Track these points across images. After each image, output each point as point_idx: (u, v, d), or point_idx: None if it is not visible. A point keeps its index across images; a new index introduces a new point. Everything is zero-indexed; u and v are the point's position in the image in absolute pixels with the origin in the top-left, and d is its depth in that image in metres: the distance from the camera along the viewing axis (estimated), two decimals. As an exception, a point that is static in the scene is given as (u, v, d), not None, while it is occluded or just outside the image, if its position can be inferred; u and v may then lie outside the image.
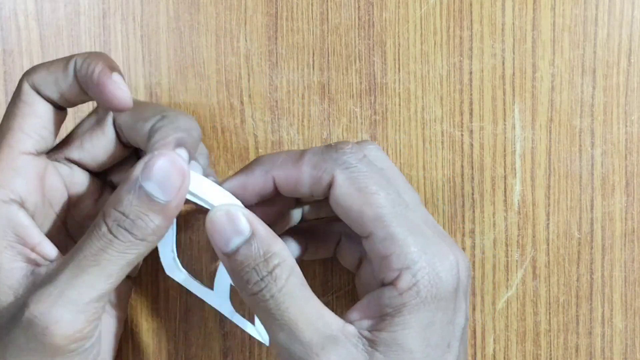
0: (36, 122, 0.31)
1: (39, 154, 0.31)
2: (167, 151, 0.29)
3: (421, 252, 0.29)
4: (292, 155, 0.31)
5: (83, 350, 0.29)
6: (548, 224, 0.39)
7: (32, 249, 0.30)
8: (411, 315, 0.29)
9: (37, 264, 0.29)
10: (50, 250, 0.30)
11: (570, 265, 0.40)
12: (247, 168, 0.32)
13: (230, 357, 0.40)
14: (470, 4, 0.39)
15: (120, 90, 0.30)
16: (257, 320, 0.32)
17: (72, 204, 0.33)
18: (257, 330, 0.33)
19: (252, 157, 0.39)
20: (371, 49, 0.39)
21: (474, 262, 0.39)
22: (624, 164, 0.39)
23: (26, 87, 0.31)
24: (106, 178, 0.35)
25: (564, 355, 0.40)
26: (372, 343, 0.29)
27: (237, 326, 0.40)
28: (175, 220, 0.30)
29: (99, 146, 0.33)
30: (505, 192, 0.39)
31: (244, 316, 0.34)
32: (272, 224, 0.31)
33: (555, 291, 0.40)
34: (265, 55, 0.39)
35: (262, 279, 0.29)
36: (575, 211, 0.39)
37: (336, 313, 0.30)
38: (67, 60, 0.31)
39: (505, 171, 0.39)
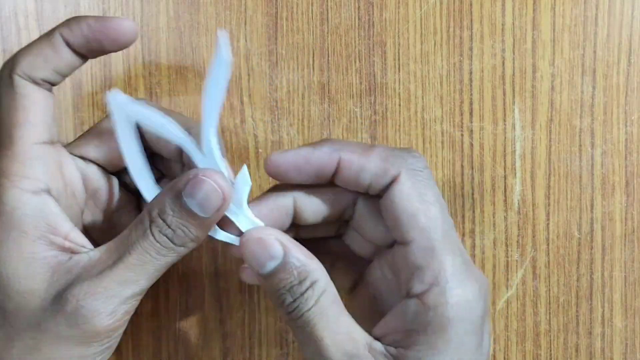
0: (39, 110, 0.31)
1: (52, 142, 0.31)
2: (212, 172, 0.30)
3: (456, 273, 0.29)
4: (363, 144, 0.32)
5: (115, 337, 0.30)
6: (548, 224, 0.39)
7: (65, 238, 0.30)
8: (436, 335, 0.29)
9: (73, 251, 0.30)
10: (81, 238, 0.31)
11: (570, 265, 0.40)
12: (315, 143, 0.32)
13: (230, 357, 0.40)
14: (470, 4, 0.39)
15: (125, 21, 0.31)
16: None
17: (88, 197, 0.34)
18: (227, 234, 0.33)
19: (252, 157, 0.39)
20: (371, 49, 0.39)
21: (473, 262, 0.39)
22: (624, 164, 0.39)
23: (17, 78, 0.30)
24: (120, 177, 0.35)
25: (564, 355, 0.40)
26: None
27: (237, 326, 0.40)
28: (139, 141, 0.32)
29: (115, 153, 0.33)
30: (505, 192, 0.39)
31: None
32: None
33: (555, 291, 0.40)
34: (265, 55, 0.39)
35: (295, 300, 0.30)
36: (575, 211, 0.39)
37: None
38: (48, 36, 0.31)
39: (505, 171, 0.39)
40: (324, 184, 0.33)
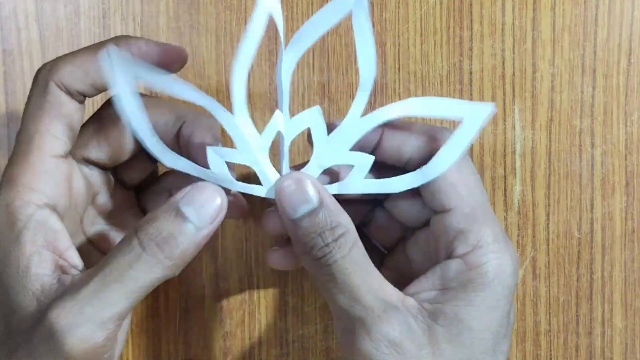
0: (63, 124, 0.30)
1: (66, 156, 0.31)
2: (209, 185, 0.30)
3: (496, 240, 0.31)
4: (404, 120, 0.33)
5: None
6: (548, 224, 0.39)
7: (60, 256, 0.30)
8: (476, 293, 0.30)
9: (64, 272, 0.29)
10: (76, 258, 0.30)
11: (570, 265, 0.40)
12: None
13: (230, 357, 0.40)
14: (470, 4, 0.39)
15: (178, 48, 0.31)
16: (265, 178, 0.32)
17: (88, 204, 0.34)
18: (264, 188, 0.32)
19: (252, 157, 0.39)
20: (371, 49, 0.39)
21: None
22: (624, 164, 0.39)
23: (52, 86, 0.30)
24: (116, 173, 0.35)
25: (564, 355, 0.40)
26: (432, 315, 0.30)
27: (237, 326, 0.40)
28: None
29: (116, 145, 0.32)
30: (505, 192, 0.39)
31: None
32: None
33: (555, 291, 0.40)
34: (265, 55, 0.39)
35: (327, 245, 0.30)
36: (575, 211, 0.39)
37: None
38: (95, 50, 0.30)
39: (505, 171, 0.39)
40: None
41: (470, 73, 0.39)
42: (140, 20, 0.38)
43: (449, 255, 0.31)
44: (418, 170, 0.31)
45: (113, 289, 0.28)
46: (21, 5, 0.38)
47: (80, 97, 0.31)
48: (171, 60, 0.31)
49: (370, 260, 0.30)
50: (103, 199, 0.34)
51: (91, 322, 0.28)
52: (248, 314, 0.40)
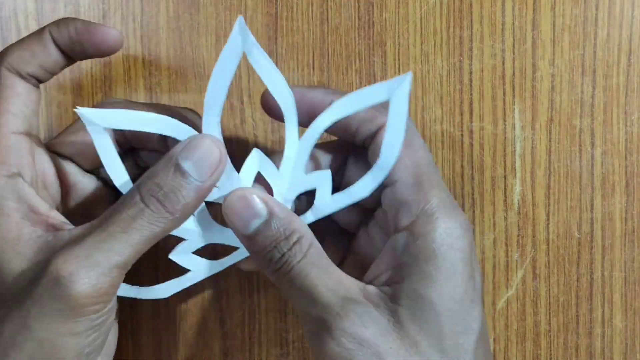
0: (19, 102, 0.31)
1: (27, 134, 0.32)
2: (208, 135, 0.30)
3: (442, 205, 0.30)
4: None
5: (103, 313, 0.29)
6: (548, 224, 0.39)
7: (47, 217, 0.30)
8: (428, 263, 0.29)
9: (57, 229, 0.30)
10: (61, 217, 0.31)
11: (570, 265, 0.40)
12: (312, 86, 0.33)
13: (230, 357, 0.40)
14: (470, 4, 0.39)
15: (111, 30, 0.32)
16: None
17: (65, 193, 0.34)
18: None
19: (252, 157, 0.39)
20: (371, 49, 0.39)
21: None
22: (624, 164, 0.39)
23: (3, 70, 0.31)
24: (99, 175, 0.35)
25: (564, 355, 0.40)
26: (393, 298, 0.29)
27: (237, 326, 0.40)
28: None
29: (91, 145, 0.33)
30: (505, 192, 0.39)
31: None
32: None
33: (555, 291, 0.40)
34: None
35: (283, 256, 0.30)
36: (575, 211, 0.39)
37: None
38: (39, 33, 0.32)
39: (505, 171, 0.39)
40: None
41: (470, 73, 0.39)
42: (140, 20, 0.38)
43: (396, 228, 0.30)
44: (374, 167, 0.31)
45: (118, 239, 0.29)
46: (21, 5, 0.38)
47: (33, 80, 0.32)
48: (102, 42, 0.31)
49: (325, 256, 0.30)
50: (80, 192, 0.34)
51: (98, 267, 0.28)
52: (248, 314, 0.40)
